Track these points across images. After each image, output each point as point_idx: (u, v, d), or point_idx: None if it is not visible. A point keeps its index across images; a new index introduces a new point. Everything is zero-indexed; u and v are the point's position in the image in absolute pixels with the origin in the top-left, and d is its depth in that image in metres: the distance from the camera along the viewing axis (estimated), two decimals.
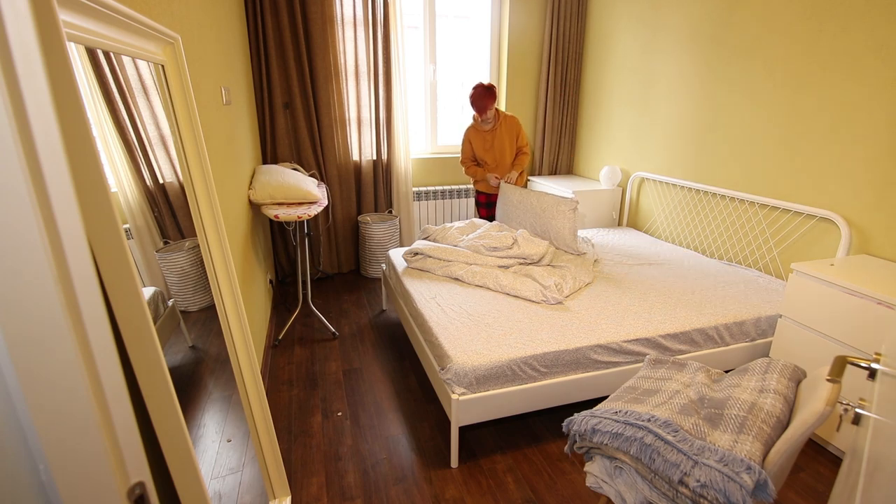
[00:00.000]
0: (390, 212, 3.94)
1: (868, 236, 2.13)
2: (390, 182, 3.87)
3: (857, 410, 0.91)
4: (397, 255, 2.95)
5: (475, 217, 3.47)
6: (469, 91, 3.01)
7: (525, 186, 3.37)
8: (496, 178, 3.19)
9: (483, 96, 2.96)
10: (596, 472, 1.34)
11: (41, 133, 0.44)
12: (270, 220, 3.53)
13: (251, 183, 2.70)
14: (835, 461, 1.92)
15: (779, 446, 1.12)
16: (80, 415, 0.47)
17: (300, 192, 2.66)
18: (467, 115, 4.28)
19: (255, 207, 2.81)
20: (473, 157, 3.25)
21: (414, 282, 2.55)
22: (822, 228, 2.32)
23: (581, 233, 3.42)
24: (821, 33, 2.24)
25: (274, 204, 2.62)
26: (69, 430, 0.47)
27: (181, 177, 1.29)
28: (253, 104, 3.25)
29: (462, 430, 2.09)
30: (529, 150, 3.27)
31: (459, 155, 3.34)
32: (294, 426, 2.13)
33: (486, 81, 3.00)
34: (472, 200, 4.14)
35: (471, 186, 4.12)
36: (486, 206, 3.38)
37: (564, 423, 1.41)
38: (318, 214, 3.61)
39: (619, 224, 3.83)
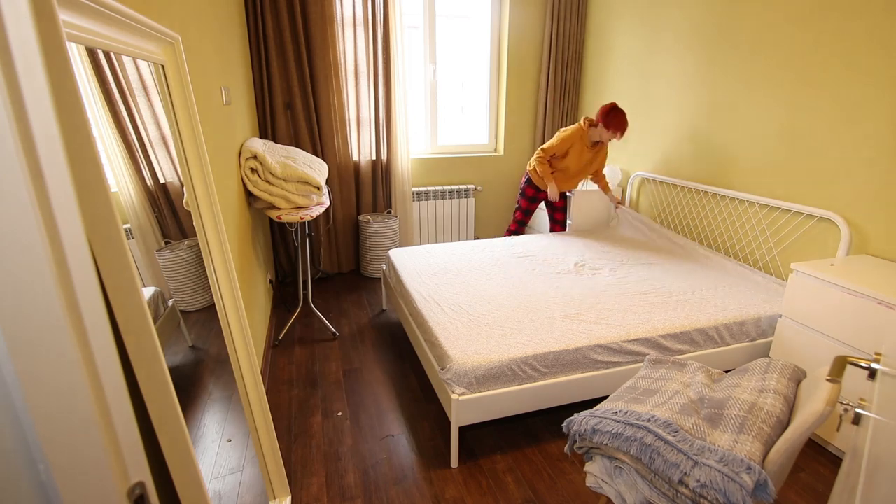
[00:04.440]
0: (389, 212, 3.94)
1: (868, 236, 2.13)
2: (390, 182, 3.87)
3: (857, 410, 0.91)
4: (397, 256, 2.95)
5: (519, 204, 3.42)
6: (613, 110, 2.95)
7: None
8: (559, 193, 3.21)
9: (624, 120, 2.94)
10: (596, 472, 1.34)
11: (41, 133, 0.44)
12: (270, 220, 3.53)
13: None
14: (835, 461, 1.92)
15: (779, 446, 1.12)
16: (80, 415, 0.47)
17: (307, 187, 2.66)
18: (468, 115, 4.29)
19: (255, 207, 2.81)
20: (555, 155, 3.16)
21: (414, 282, 2.55)
22: (822, 228, 2.32)
23: (580, 233, 3.43)
24: (821, 33, 2.24)
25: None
26: (69, 430, 0.47)
27: (181, 177, 1.29)
28: (253, 104, 3.25)
29: (462, 430, 2.09)
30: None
31: (544, 147, 3.17)
32: (294, 426, 2.13)
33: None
34: (471, 201, 4.14)
35: (471, 186, 4.12)
36: (530, 200, 3.35)
37: (564, 424, 1.41)
38: (318, 214, 3.61)
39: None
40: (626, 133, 2.96)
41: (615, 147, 3.79)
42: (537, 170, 3.18)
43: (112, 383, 0.51)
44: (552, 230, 3.52)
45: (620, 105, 3.67)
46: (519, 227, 3.47)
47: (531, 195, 3.33)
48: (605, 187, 3.37)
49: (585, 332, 2.00)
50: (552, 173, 3.19)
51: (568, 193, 3.41)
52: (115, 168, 0.99)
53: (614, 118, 2.95)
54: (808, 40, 2.30)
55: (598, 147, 3.14)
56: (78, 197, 0.49)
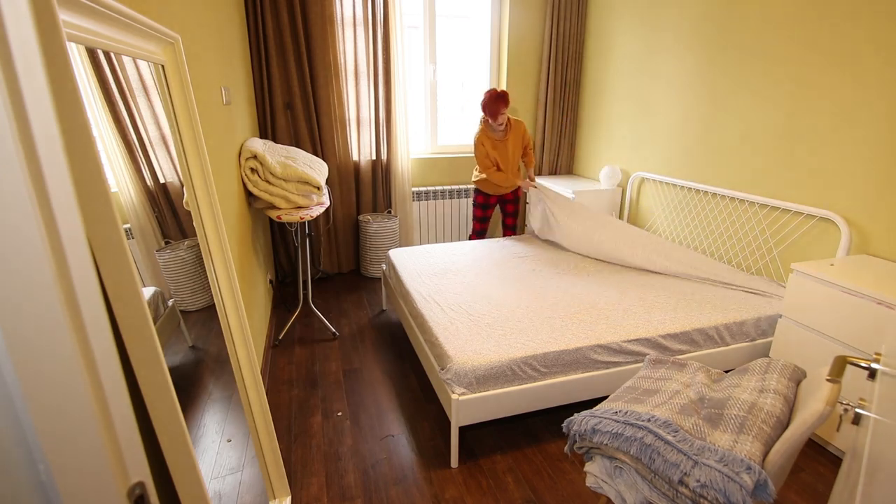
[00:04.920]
0: (389, 212, 3.94)
1: (868, 236, 2.13)
2: (389, 182, 3.87)
3: (857, 410, 0.91)
4: (397, 256, 2.95)
5: (474, 216, 3.52)
6: (482, 96, 3.02)
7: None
8: (528, 184, 3.25)
9: (496, 100, 2.97)
10: (596, 472, 1.34)
11: (41, 133, 0.44)
12: (271, 220, 3.53)
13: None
14: (835, 461, 1.92)
15: (779, 446, 1.12)
16: (80, 415, 0.47)
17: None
18: (467, 114, 4.29)
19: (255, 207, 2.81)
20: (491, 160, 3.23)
21: (414, 282, 2.55)
22: (822, 228, 2.32)
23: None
24: (821, 33, 2.24)
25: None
26: (69, 430, 0.47)
27: (181, 177, 1.29)
28: (253, 104, 3.25)
29: (462, 430, 2.09)
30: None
31: (476, 161, 3.28)
32: (294, 426, 2.13)
33: (499, 88, 3.05)
34: (471, 201, 4.13)
35: (471, 186, 4.11)
36: (483, 207, 3.42)
37: (564, 424, 1.41)
38: (318, 214, 3.61)
39: None
40: (503, 110, 2.99)
41: (616, 147, 3.79)
42: (493, 179, 3.21)
43: (112, 383, 0.51)
44: (504, 234, 3.58)
45: (622, 104, 3.67)
46: (479, 234, 3.55)
47: (482, 202, 3.41)
48: (528, 163, 3.39)
49: (585, 332, 2.00)
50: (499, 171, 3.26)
51: (526, 194, 3.41)
52: (115, 168, 0.99)
53: (483, 105, 3.03)
54: (808, 40, 2.30)
55: (508, 132, 3.16)
56: (78, 197, 0.49)
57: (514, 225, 3.55)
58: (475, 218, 3.49)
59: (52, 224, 0.44)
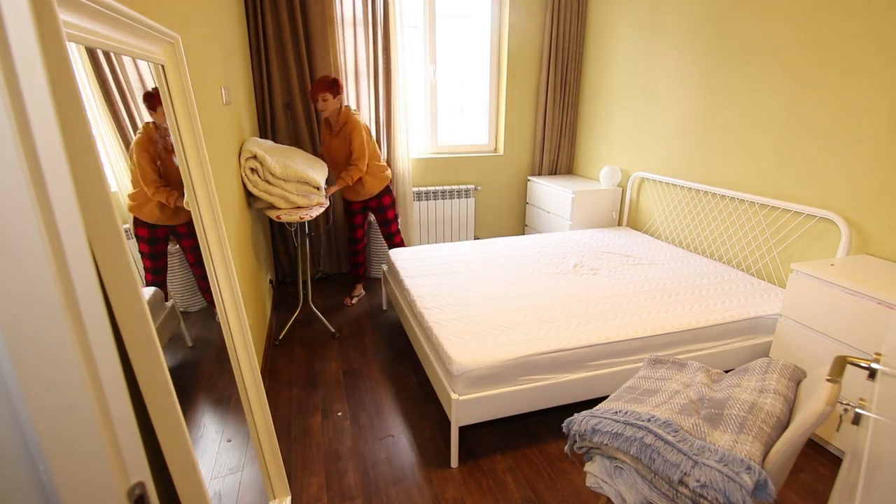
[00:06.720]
0: None
1: (868, 236, 2.13)
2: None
3: (857, 410, 0.91)
4: (397, 256, 2.95)
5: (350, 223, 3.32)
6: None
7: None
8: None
9: (315, 85, 2.79)
10: (596, 472, 1.34)
11: (41, 133, 0.44)
12: (271, 220, 3.53)
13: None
14: (835, 461, 1.92)
15: (779, 446, 1.12)
16: (80, 415, 0.47)
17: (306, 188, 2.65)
18: (467, 115, 4.29)
19: (255, 207, 2.80)
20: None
21: (414, 282, 2.55)
22: (822, 228, 2.32)
23: (579, 234, 3.44)
24: (821, 32, 2.24)
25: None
26: (69, 430, 0.47)
27: (181, 177, 1.29)
28: (253, 104, 3.25)
29: (462, 430, 2.09)
30: (364, 164, 2.94)
31: (373, 154, 3.04)
32: (294, 426, 2.13)
33: (332, 76, 2.82)
34: (471, 201, 4.14)
35: (471, 186, 4.11)
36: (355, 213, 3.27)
37: (564, 424, 1.41)
38: (318, 215, 3.61)
39: (619, 224, 3.83)
40: (320, 95, 2.76)
41: (616, 147, 3.79)
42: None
43: (112, 383, 0.51)
44: (391, 247, 3.32)
45: (622, 104, 3.67)
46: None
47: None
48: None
49: (585, 332, 2.00)
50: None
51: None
52: (115, 168, 0.99)
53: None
54: (808, 40, 2.30)
55: (337, 131, 2.92)
56: (78, 197, 0.49)
57: (396, 231, 3.33)
58: (355, 225, 3.28)
59: (52, 224, 0.44)
